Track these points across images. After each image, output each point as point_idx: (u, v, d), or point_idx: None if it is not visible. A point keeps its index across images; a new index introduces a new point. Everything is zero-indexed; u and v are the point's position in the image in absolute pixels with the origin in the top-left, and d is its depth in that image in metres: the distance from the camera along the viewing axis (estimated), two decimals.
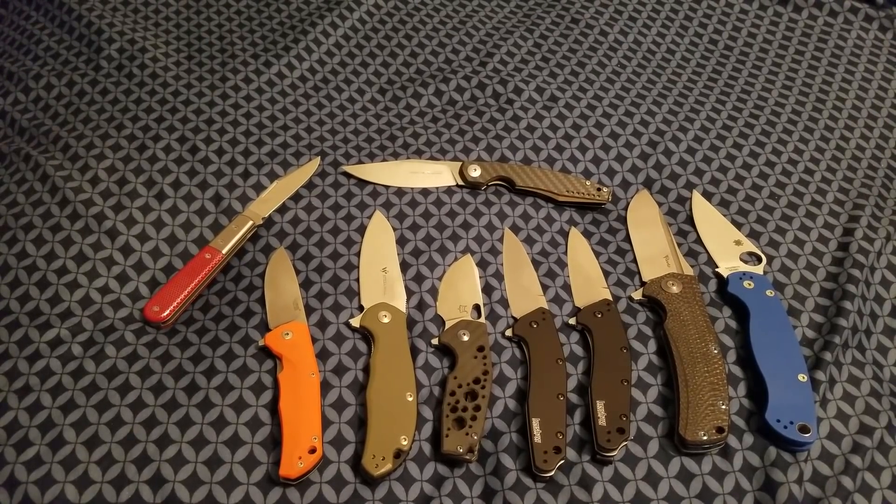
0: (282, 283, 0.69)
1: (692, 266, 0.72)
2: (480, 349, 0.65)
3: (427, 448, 0.60)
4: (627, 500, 0.58)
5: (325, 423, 0.61)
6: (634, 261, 0.74)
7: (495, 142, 0.83)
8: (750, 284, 0.69)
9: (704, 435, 0.59)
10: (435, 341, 0.66)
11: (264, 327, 0.66)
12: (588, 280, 0.71)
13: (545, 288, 0.71)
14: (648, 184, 0.81)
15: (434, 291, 0.70)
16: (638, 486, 0.59)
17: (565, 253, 0.74)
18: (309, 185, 0.78)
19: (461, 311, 0.68)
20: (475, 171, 0.78)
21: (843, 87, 0.94)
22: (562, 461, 0.59)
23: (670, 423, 0.62)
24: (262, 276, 0.70)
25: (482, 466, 0.60)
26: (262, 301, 0.68)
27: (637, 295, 0.70)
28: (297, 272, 0.71)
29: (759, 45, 1.00)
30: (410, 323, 0.68)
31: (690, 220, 0.77)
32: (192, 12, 0.99)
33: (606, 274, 0.72)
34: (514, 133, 0.84)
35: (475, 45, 0.96)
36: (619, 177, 0.81)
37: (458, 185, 0.78)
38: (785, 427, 0.59)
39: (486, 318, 0.68)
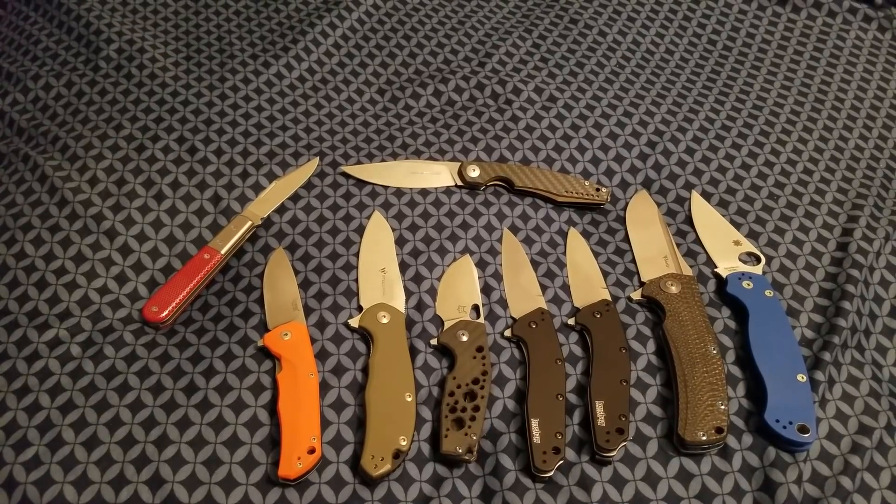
0: (281, 284, 0.69)
1: (691, 266, 0.72)
2: (479, 349, 0.65)
3: (426, 448, 0.60)
4: (626, 501, 0.58)
5: (324, 423, 0.61)
6: (633, 261, 0.74)
7: (494, 142, 0.83)
8: (749, 285, 0.69)
9: (703, 435, 0.59)
10: (434, 341, 0.66)
11: (263, 328, 0.66)
12: (587, 280, 0.71)
13: (544, 288, 0.71)
14: (647, 184, 0.81)
15: (433, 292, 0.70)
16: (637, 487, 0.59)
17: (564, 253, 0.74)
18: (308, 186, 0.78)
19: (460, 312, 0.68)
20: (474, 172, 0.78)
21: (841, 87, 0.94)
22: (561, 461, 0.59)
23: (669, 424, 0.62)
24: (260, 276, 0.70)
25: (481, 467, 0.60)
26: (260, 301, 0.68)
27: (636, 295, 0.70)
28: (296, 272, 0.71)
29: (757, 45, 1.00)
30: (409, 323, 0.68)
31: (689, 221, 0.77)
32: (191, 13, 0.99)
33: (605, 274, 0.72)
34: (512, 133, 0.84)
35: (474, 45, 0.96)
36: (617, 177, 0.81)
37: (456, 186, 0.78)
38: (784, 427, 0.59)
39: (485, 319, 0.68)
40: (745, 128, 0.87)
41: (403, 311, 0.68)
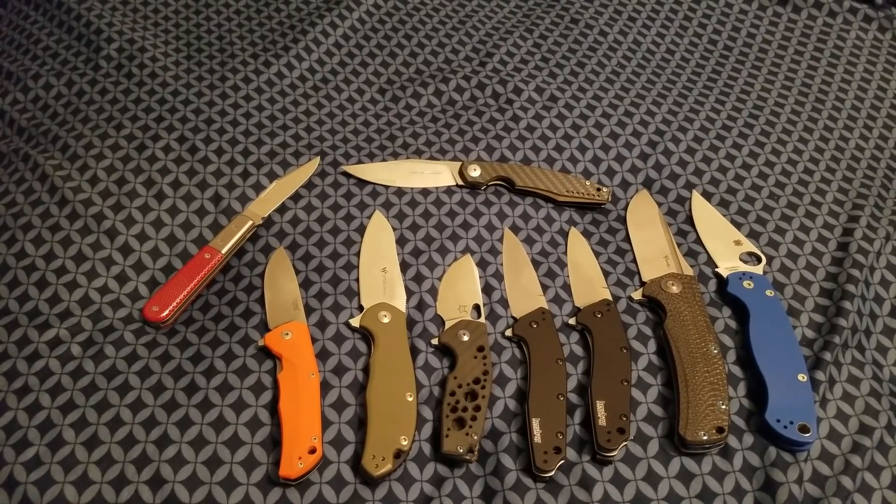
0: (281, 283, 0.69)
1: (692, 266, 0.72)
2: (480, 349, 0.65)
3: (427, 448, 0.60)
4: (627, 501, 0.58)
5: (325, 423, 0.61)
6: (634, 261, 0.74)
7: (495, 142, 0.83)
8: (750, 284, 0.69)
9: (704, 435, 0.59)
10: (435, 341, 0.66)
11: (264, 327, 0.66)
12: (588, 280, 0.71)
13: (545, 288, 0.71)
14: (648, 184, 0.81)
15: (434, 291, 0.70)
16: (638, 487, 0.59)
17: (565, 253, 0.74)
18: (308, 185, 0.78)
19: (461, 311, 0.68)
20: (475, 171, 0.78)
21: (842, 87, 0.94)
22: (562, 461, 0.59)
23: (670, 423, 0.62)
24: (261, 275, 0.70)
25: (482, 466, 0.60)
26: (261, 301, 0.68)
27: (637, 295, 0.70)
28: (297, 272, 0.71)
29: (758, 45, 1.00)
30: (410, 323, 0.68)
31: (690, 220, 0.77)
32: (192, 12, 0.99)
33: (606, 274, 0.72)
34: (513, 133, 0.84)
35: (475, 44, 0.96)
36: (618, 177, 0.81)
37: (457, 185, 0.78)
38: (785, 427, 0.59)
39: (486, 318, 0.68)
40: (746, 128, 0.87)
41: (404, 311, 0.68)
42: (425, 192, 0.78)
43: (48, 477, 0.57)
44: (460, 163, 0.79)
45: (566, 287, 0.71)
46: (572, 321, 0.68)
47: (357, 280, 0.70)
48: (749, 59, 0.98)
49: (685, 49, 0.99)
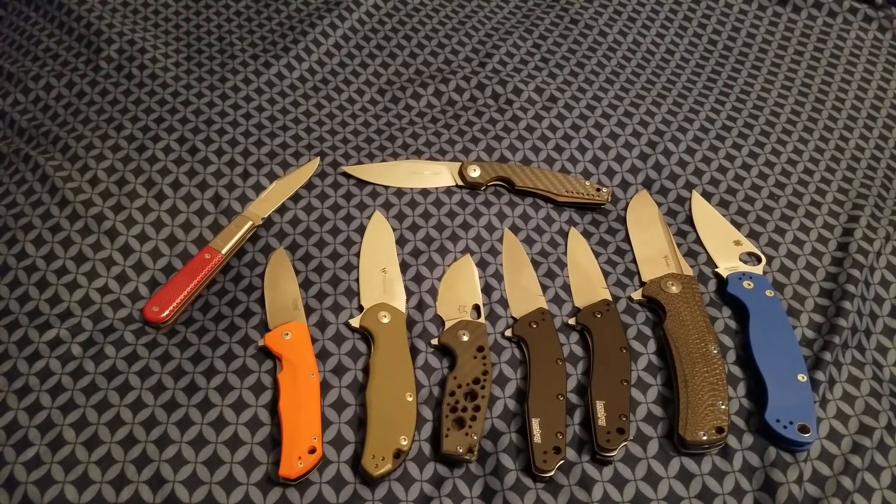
0: (281, 284, 0.69)
1: (692, 266, 0.72)
2: (480, 349, 0.65)
3: (427, 448, 0.60)
4: (627, 501, 0.58)
5: (325, 423, 0.61)
6: (634, 261, 0.74)
7: (494, 142, 0.83)
8: (749, 285, 0.69)
9: (704, 435, 0.59)
10: (434, 341, 0.66)
11: (264, 327, 0.66)
12: (587, 280, 0.71)
13: (545, 288, 0.71)
14: (648, 184, 0.81)
15: (434, 292, 0.70)
16: (638, 487, 0.59)
17: (565, 253, 0.74)
18: (308, 186, 0.78)
19: (461, 312, 0.68)
20: (475, 172, 0.78)
21: (842, 87, 0.94)
22: (561, 461, 0.59)
23: (670, 424, 0.62)
24: (261, 276, 0.70)
25: (482, 466, 0.60)
26: (261, 301, 0.68)
27: (636, 295, 0.70)
28: (297, 272, 0.71)
29: (758, 45, 1.00)
30: (410, 323, 0.68)
31: (690, 221, 0.77)
32: (192, 13, 0.99)
33: (606, 274, 0.72)
34: (513, 133, 0.84)
35: (474, 45, 0.96)
36: (618, 177, 0.81)
37: (457, 186, 0.78)
38: (784, 427, 0.59)
39: (486, 319, 0.68)
40: (746, 128, 0.87)
41: (404, 311, 0.68)
42: (425, 192, 0.78)
43: (48, 477, 0.57)
44: (460, 163, 0.79)
45: (566, 287, 0.71)
46: (572, 321, 0.68)
47: (357, 280, 0.70)
48: (749, 59, 0.98)
49: (685, 49, 0.99)
